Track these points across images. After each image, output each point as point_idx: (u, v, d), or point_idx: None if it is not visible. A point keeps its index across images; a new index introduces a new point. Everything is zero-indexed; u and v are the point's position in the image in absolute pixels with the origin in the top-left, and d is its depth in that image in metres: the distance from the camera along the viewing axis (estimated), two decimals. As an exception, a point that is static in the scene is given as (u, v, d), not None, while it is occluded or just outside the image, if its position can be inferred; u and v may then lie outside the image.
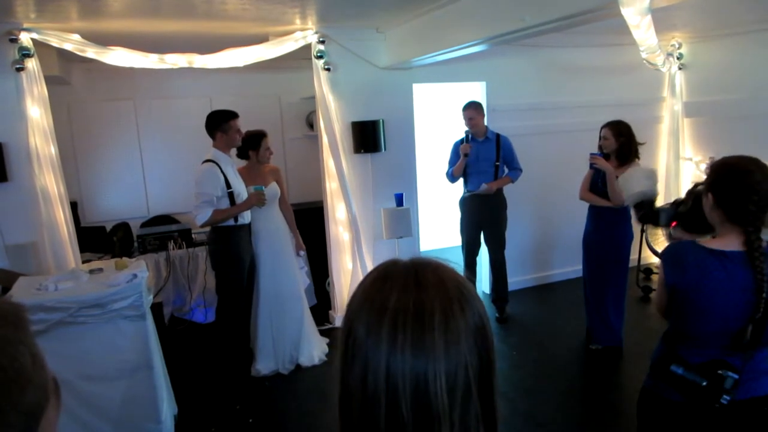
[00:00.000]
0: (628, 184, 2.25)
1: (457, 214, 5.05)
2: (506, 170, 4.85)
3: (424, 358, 0.67)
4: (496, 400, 0.75)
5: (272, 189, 4.06)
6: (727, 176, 1.74)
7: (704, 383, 1.68)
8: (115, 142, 5.55)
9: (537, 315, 5.16)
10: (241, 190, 3.83)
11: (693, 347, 1.79)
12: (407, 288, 0.71)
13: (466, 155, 4.69)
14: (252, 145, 4.01)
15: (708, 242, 1.77)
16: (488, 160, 4.76)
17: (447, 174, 4.92)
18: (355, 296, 0.76)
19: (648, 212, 2.11)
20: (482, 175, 4.75)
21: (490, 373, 0.73)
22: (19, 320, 0.64)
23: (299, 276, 4.35)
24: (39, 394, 0.62)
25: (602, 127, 4.05)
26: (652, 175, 2.32)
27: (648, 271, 5.84)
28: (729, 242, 1.73)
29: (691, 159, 6.04)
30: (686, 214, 1.95)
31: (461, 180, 4.91)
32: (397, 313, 0.69)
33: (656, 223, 2.06)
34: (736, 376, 1.66)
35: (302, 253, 4.48)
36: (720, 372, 1.66)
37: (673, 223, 1.95)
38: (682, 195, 6.42)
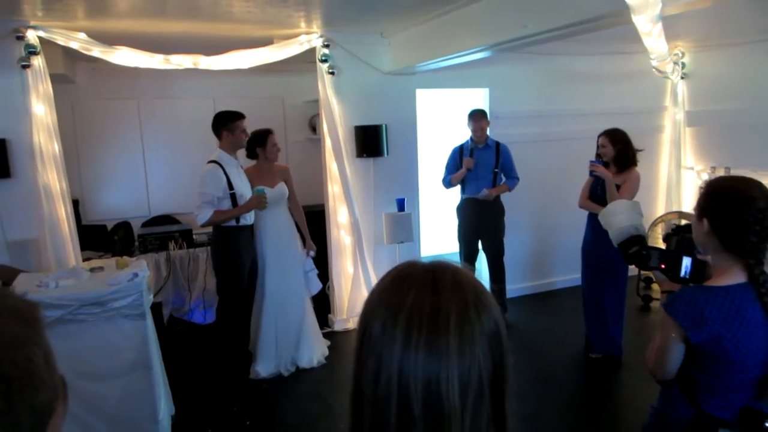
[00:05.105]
0: (612, 219, 1.95)
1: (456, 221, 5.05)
2: (504, 178, 4.87)
3: (437, 360, 0.67)
4: (508, 405, 0.75)
5: (280, 189, 4.06)
6: (727, 202, 1.52)
7: None
8: (118, 141, 5.56)
9: (536, 323, 5.15)
10: (245, 192, 3.83)
11: (713, 399, 1.57)
12: (424, 289, 0.71)
13: (468, 170, 4.70)
14: (258, 142, 4.02)
15: (711, 282, 1.57)
16: (487, 166, 4.78)
17: (444, 180, 4.93)
18: (373, 294, 0.76)
19: (640, 251, 1.86)
20: (481, 182, 4.77)
21: (503, 378, 0.74)
22: (34, 319, 0.63)
23: (303, 277, 4.32)
24: (50, 394, 0.62)
25: (599, 136, 4.07)
26: (638, 208, 2.08)
27: (648, 280, 5.82)
28: (732, 277, 1.53)
29: (692, 168, 6.04)
30: (672, 258, 1.72)
31: (458, 186, 4.92)
32: (413, 313, 0.69)
33: (646, 265, 1.79)
34: None
35: (312, 253, 4.40)
36: (767, 425, 1.47)
37: (662, 266, 1.74)
38: (684, 206, 6.25)
